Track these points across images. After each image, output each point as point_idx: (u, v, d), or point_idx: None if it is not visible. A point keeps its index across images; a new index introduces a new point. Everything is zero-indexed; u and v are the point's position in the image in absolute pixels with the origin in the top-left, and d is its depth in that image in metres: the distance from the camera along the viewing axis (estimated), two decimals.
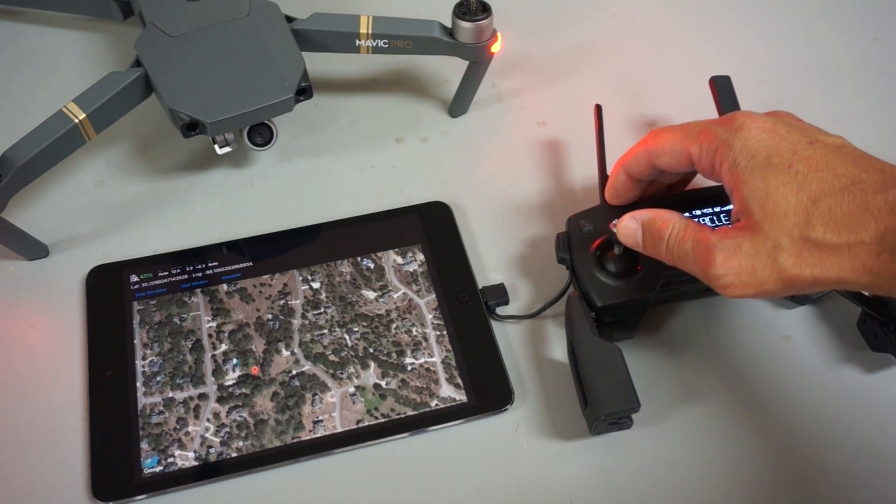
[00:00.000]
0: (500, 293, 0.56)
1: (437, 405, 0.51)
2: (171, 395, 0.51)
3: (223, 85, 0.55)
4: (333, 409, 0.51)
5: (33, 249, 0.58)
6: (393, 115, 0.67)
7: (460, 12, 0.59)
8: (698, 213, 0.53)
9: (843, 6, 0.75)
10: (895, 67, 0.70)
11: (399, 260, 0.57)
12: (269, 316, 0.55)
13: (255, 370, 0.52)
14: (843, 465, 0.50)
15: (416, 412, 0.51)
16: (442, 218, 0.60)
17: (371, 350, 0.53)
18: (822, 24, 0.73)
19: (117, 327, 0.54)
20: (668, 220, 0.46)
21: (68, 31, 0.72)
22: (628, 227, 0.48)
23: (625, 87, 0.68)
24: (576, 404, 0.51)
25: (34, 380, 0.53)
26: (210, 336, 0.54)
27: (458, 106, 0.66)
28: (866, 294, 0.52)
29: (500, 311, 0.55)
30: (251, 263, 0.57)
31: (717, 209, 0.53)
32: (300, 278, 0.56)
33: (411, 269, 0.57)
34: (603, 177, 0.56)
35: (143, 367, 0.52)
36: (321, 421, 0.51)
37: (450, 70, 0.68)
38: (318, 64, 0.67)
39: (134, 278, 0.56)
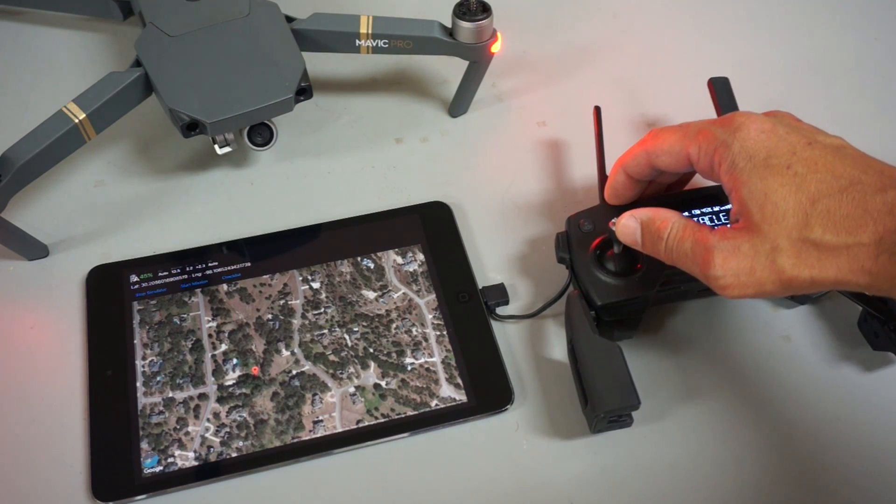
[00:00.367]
0: (500, 293, 0.56)
1: (437, 405, 0.51)
2: (171, 395, 0.51)
3: (223, 85, 0.55)
4: (333, 409, 0.51)
5: (33, 249, 0.58)
6: (393, 115, 0.67)
7: (460, 12, 0.59)
8: (697, 212, 0.53)
9: (844, 6, 0.75)
10: (895, 67, 0.70)
11: (399, 260, 0.57)
12: (269, 316, 0.55)
13: (255, 370, 0.52)
14: (844, 463, 0.50)
15: (416, 412, 0.51)
16: (442, 218, 0.60)
17: (371, 350, 0.53)
18: (823, 25, 0.73)
19: (117, 327, 0.54)
20: (667, 220, 0.46)
21: (68, 31, 0.72)
22: (627, 226, 0.48)
23: (624, 88, 0.68)
24: (576, 404, 0.51)
25: (34, 380, 0.53)
26: (210, 336, 0.54)
27: (458, 106, 0.66)
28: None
29: (500, 310, 0.56)
30: (251, 263, 0.57)
31: (716, 209, 0.53)
32: (300, 278, 0.56)
33: (411, 269, 0.57)
34: (602, 177, 0.56)
35: (143, 367, 0.52)
36: (321, 421, 0.51)
37: (450, 70, 0.68)
38: (318, 64, 0.67)
39: (134, 278, 0.56)
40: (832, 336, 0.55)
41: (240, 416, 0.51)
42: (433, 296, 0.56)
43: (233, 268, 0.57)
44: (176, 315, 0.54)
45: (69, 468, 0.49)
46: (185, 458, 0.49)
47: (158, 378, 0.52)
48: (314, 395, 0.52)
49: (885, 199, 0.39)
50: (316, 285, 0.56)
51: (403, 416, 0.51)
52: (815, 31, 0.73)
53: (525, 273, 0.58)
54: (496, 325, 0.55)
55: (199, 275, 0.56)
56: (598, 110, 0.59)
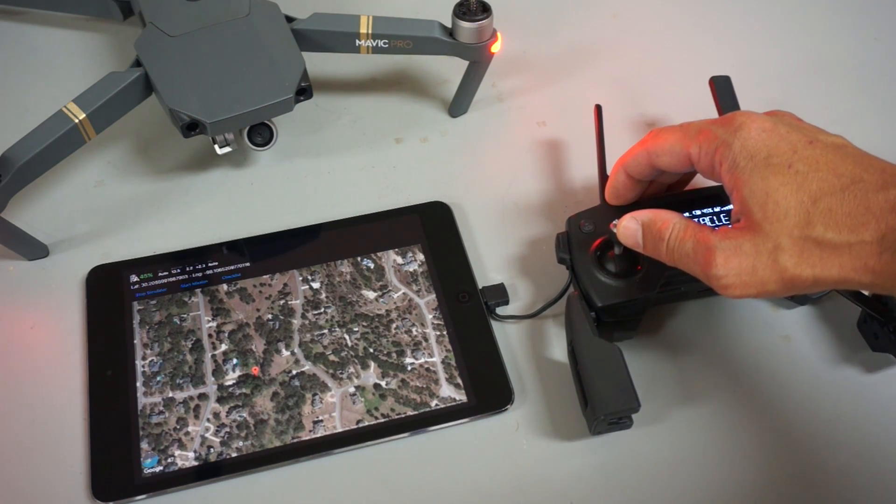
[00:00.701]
0: (500, 293, 0.56)
1: (437, 405, 0.51)
2: (171, 395, 0.51)
3: (223, 85, 0.55)
4: (333, 409, 0.51)
5: (33, 249, 0.58)
6: (393, 115, 0.67)
7: (460, 12, 0.59)
8: (698, 212, 0.53)
9: (844, 6, 0.75)
10: (895, 67, 0.70)
11: (399, 260, 0.57)
12: (269, 316, 0.55)
13: (255, 370, 0.52)
14: (843, 464, 0.50)
15: (416, 412, 0.51)
16: (442, 218, 0.60)
17: (371, 350, 0.53)
18: (823, 24, 0.73)
19: (117, 327, 0.54)
20: (668, 221, 0.46)
21: (68, 31, 0.72)
22: (628, 228, 0.48)
23: (625, 87, 0.68)
24: (576, 404, 0.51)
25: (34, 380, 0.53)
26: (210, 336, 0.54)
27: (458, 106, 0.66)
28: (866, 294, 0.52)
29: (500, 311, 0.55)
30: (251, 263, 0.57)
31: (717, 209, 0.53)
32: (300, 278, 0.56)
33: (411, 269, 0.57)
34: (603, 177, 0.56)
35: (143, 367, 0.52)
36: (321, 421, 0.51)
37: (450, 70, 0.68)
38: (318, 64, 0.67)
39: (134, 278, 0.56)
40: (832, 337, 0.55)
41: (240, 416, 0.51)
42: (433, 296, 0.56)
43: (233, 268, 0.57)
44: (176, 315, 0.54)
45: (69, 468, 0.49)
46: (185, 458, 0.49)
47: (158, 378, 0.52)
48: (314, 395, 0.52)
49: (887, 196, 0.39)
50: (316, 285, 0.56)
51: (403, 416, 0.51)
52: (816, 31, 0.73)
53: (525, 273, 0.58)
54: (496, 326, 0.55)
55: (199, 275, 0.56)
56: (598, 109, 0.59)
